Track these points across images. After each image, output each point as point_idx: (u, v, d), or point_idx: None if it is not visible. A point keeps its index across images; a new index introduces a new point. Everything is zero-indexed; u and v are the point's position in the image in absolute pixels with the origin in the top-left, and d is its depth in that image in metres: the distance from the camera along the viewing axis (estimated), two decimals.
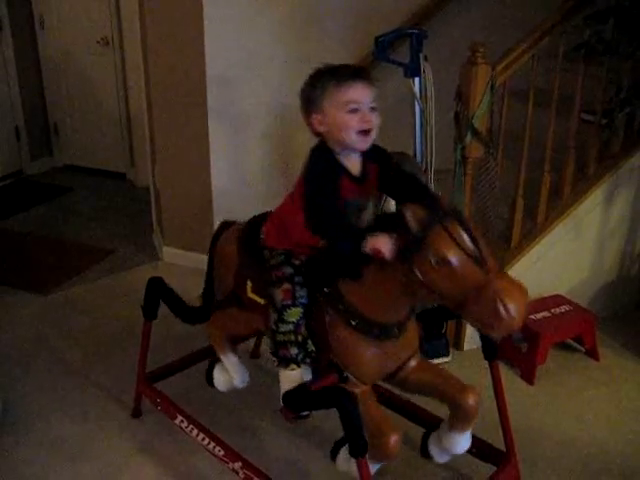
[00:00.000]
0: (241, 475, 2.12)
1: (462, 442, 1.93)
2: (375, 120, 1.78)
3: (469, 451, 2.19)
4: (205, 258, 2.36)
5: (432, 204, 1.61)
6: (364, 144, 1.79)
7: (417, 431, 2.23)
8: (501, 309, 1.48)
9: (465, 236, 1.55)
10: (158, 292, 2.42)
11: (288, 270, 1.89)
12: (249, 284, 2.06)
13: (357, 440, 1.71)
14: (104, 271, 3.86)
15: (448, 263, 1.53)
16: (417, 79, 2.73)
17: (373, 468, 1.86)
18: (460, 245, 1.54)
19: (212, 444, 2.23)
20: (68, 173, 5.67)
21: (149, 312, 2.45)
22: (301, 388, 1.84)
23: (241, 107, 3.50)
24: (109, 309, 3.42)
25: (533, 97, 2.80)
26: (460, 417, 1.87)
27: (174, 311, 2.41)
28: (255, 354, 2.93)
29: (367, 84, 1.78)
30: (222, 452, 2.19)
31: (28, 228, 4.50)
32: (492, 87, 2.62)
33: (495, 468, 2.12)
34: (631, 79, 2.87)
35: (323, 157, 1.80)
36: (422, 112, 2.75)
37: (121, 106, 5.29)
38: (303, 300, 1.87)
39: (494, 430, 2.15)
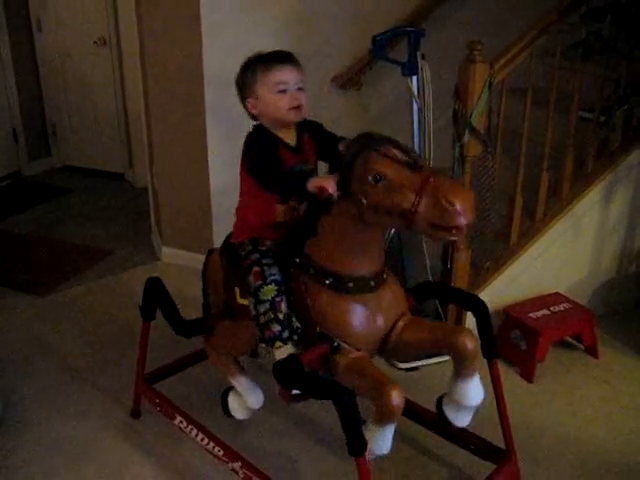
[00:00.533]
0: (240, 475, 2.12)
1: (472, 391, 1.87)
2: (303, 97, 1.93)
3: (469, 448, 2.20)
4: (203, 258, 2.36)
5: (364, 137, 1.70)
6: (295, 117, 1.94)
7: (417, 429, 2.23)
8: (445, 204, 1.53)
9: (395, 150, 1.64)
10: (156, 294, 2.42)
11: (255, 256, 1.96)
12: (237, 291, 2.09)
13: (355, 437, 1.70)
14: (103, 272, 3.86)
15: (384, 176, 1.61)
16: (415, 78, 2.73)
17: (387, 436, 1.79)
18: (392, 158, 1.62)
19: (211, 444, 2.23)
20: (66, 174, 5.67)
21: (147, 313, 2.45)
22: (291, 358, 1.82)
23: (239, 107, 3.48)
24: (108, 310, 3.42)
25: (531, 95, 2.80)
26: (461, 361, 1.83)
27: (169, 321, 2.40)
28: (254, 354, 2.93)
29: (293, 66, 1.94)
30: (221, 452, 2.19)
31: (26, 229, 4.50)
32: (490, 85, 2.62)
33: (495, 466, 2.12)
34: (629, 77, 2.87)
35: (259, 133, 1.97)
36: (420, 111, 2.76)
37: (119, 106, 5.30)
38: (274, 277, 1.91)
39: (494, 428, 2.15)
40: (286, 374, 1.82)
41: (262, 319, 1.90)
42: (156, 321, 2.47)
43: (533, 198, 2.97)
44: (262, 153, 1.90)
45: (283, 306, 1.90)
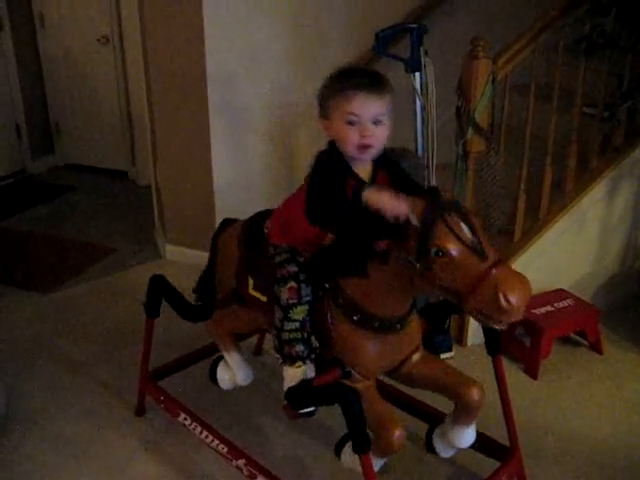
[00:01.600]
0: (245, 472, 2.12)
1: (466, 436, 1.93)
2: (379, 134, 1.71)
3: (473, 446, 2.19)
4: (206, 256, 2.36)
5: (432, 197, 1.60)
6: (361, 155, 1.74)
7: (421, 427, 2.23)
8: (502, 300, 1.47)
9: (464, 227, 1.55)
10: (160, 290, 2.42)
11: (293, 268, 1.86)
12: (250, 281, 2.06)
13: (361, 436, 1.71)
14: (106, 269, 3.86)
15: (448, 254, 1.53)
16: (418, 74, 2.72)
17: (377, 463, 1.86)
18: (459, 236, 1.53)
19: (215, 441, 2.23)
20: (70, 172, 5.67)
21: (151, 310, 2.45)
22: (304, 384, 1.84)
23: (242, 104, 3.50)
24: (111, 307, 3.42)
25: (535, 91, 2.79)
26: (464, 411, 1.87)
27: (176, 309, 2.41)
28: (258, 351, 2.93)
29: (373, 95, 1.69)
30: (225, 449, 2.19)
31: (30, 227, 4.50)
32: (493, 81, 2.61)
33: (499, 463, 2.12)
34: (633, 72, 2.86)
35: (331, 157, 1.77)
36: (423, 107, 2.75)
37: (122, 104, 5.29)
38: (308, 298, 1.85)
39: (498, 425, 2.15)
40: (298, 400, 1.85)
41: (287, 336, 1.86)
42: (160, 318, 2.47)
43: (537, 194, 2.96)
44: (326, 180, 1.71)
45: (308, 326, 1.86)
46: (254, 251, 2.04)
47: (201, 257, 2.56)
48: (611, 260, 3.30)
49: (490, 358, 2.09)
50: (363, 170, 1.78)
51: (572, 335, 3.05)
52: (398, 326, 1.83)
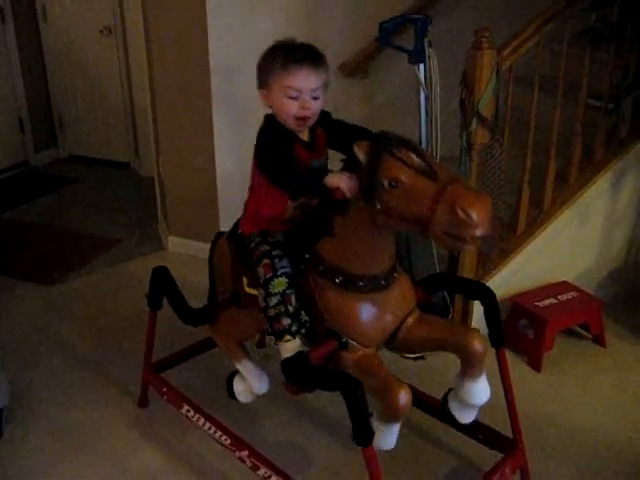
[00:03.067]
0: (248, 463, 2.12)
1: (479, 391, 1.88)
2: (316, 107, 1.83)
3: (476, 438, 2.20)
4: (209, 247, 2.36)
5: (378, 137, 1.66)
6: (298, 127, 1.85)
7: (425, 419, 2.23)
8: (461, 213, 1.48)
9: (412, 155, 1.59)
10: (163, 283, 2.42)
11: (265, 247, 1.92)
12: (244, 280, 2.07)
13: (363, 427, 1.70)
14: (109, 261, 3.87)
15: (400, 182, 1.57)
16: (422, 65, 2.71)
17: (392, 432, 1.82)
18: (408, 163, 1.58)
19: (218, 433, 2.23)
20: (73, 164, 5.67)
21: (154, 302, 2.45)
22: (299, 356, 1.82)
23: (245, 95, 3.47)
24: (115, 299, 3.42)
25: (539, 83, 2.78)
26: (469, 362, 1.84)
27: (176, 311, 2.40)
28: (261, 344, 2.92)
29: (313, 71, 1.80)
30: (228, 441, 2.19)
31: (33, 219, 4.50)
32: (498, 72, 2.60)
33: (502, 455, 2.12)
34: (638, 63, 2.84)
35: (272, 127, 1.87)
36: (427, 98, 2.74)
37: (125, 96, 5.29)
38: (285, 270, 1.88)
39: (501, 417, 2.14)
40: (294, 372, 1.83)
41: (271, 312, 1.87)
42: (163, 310, 2.47)
43: (541, 186, 2.95)
44: (276, 151, 1.82)
45: (293, 299, 1.87)
46: (240, 250, 2.07)
47: (204, 249, 2.55)
48: (615, 252, 3.29)
49: (493, 350, 2.08)
50: (302, 133, 1.90)
51: (575, 327, 3.05)
52: (383, 283, 1.82)
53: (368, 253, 1.79)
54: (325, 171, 1.77)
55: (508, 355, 2.11)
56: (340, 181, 1.67)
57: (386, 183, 1.58)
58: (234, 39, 3.35)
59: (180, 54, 3.45)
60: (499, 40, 2.64)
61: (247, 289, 2.06)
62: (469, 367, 1.85)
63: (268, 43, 3.46)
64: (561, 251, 3.08)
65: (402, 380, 1.76)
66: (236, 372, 2.33)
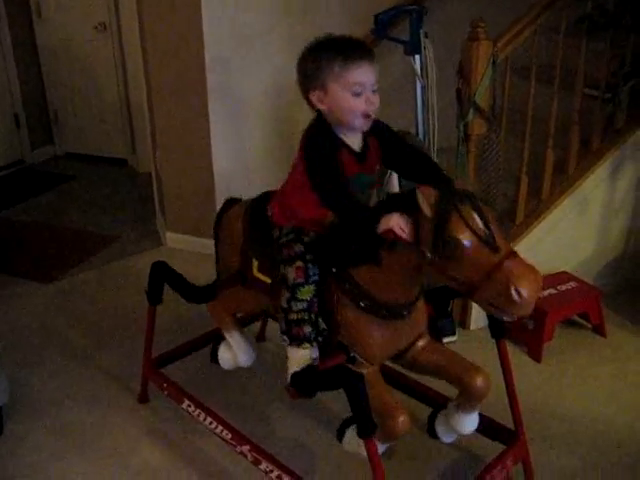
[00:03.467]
0: (249, 458, 2.12)
1: (469, 423, 1.92)
2: (377, 100, 1.73)
3: (477, 429, 2.19)
4: (208, 243, 2.35)
5: (445, 187, 1.59)
6: (366, 126, 1.76)
7: (426, 411, 2.22)
8: (513, 293, 1.46)
9: (477, 219, 1.53)
10: (162, 276, 2.41)
11: (299, 248, 1.85)
12: (255, 263, 2.04)
13: (365, 420, 1.70)
14: (108, 258, 3.86)
15: (461, 246, 1.52)
16: (418, 56, 2.70)
17: (381, 448, 1.86)
18: (472, 228, 1.52)
19: (219, 427, 2.22)
20: (69, 161, 5.66)
21: (154, 297, 2.44)
22: (309, 369, 1.83)
23: (241, 89, 3.48)
24: (114, 295, 3.42)
25: (536, 73, 2.77)
26: (468, 399, 1.87)
27: (179, 291, 2.39)
28: (261, 337, 2.92)
29: (371, 64, 1.72)
30: (230, 435, 2.19)
31: (31, 217, 4.49)
32: (494, 63, 2.59)
33: (504, 446, 2.12)
34: (634, 52, 2.84)
35: (321, 132, 1.76)
36: (423, 89, 2.73)
37: (121, 92, 5.27)
38: (315, 278, 1.84)
39: (502, 408, 2.14)
40: (304, 385, 1.84)
41: (294, 316, 1.84)
42: (162, 306, 2.46)
43: (539, 177, 2.95)
44: (323, 161, 1.71)
45: (316, 308, 1.85)
46: (259, 232, 2.02)
47: (202, 244, 2.56)
48: (614, 242, 3.29)
49: (493, 341, 2.08)
50: (354, 140, 1.79)
51: (575, 318, 3.05)
52: (405, 313, 1.82)
53: (401, 287, 1.77)
54: (380, 209, 1.66)
55: (508, 346, 2.11)
56: (396, 225, 1.59)
57: (451, 243, 1.52)
58: (229, 33, 3.34)
59: (175, 49, 3.44)
60: (495, 30, 2.63)
61: (256, 273, 2.04)
62: (467, 401, 1.88)
63: (263, 37, 3.47)
64: (560, 241, 3.08)
65: (402, 405, 1.80)
66: (223, 338, 2.29)
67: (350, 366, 1.81)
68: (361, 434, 1.72)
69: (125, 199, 4.78)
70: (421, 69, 2.71)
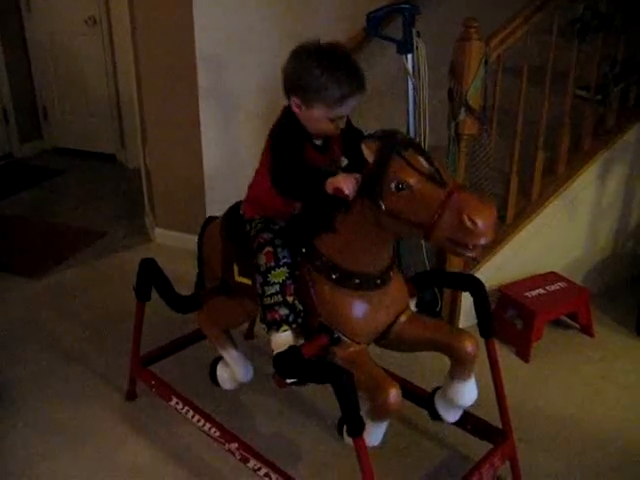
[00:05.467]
0: (237, 456, 2.11)
1: (467, 392, 1.89)
2: (345, 119, 1.85)
3: (465, 428, 2.20)
4: (196, 239, 2.34)
5: (387, 137, 1.64)
6: (329, 134, 1.86)
7: (415, 410, 2.23)
8: (467, 221, 1.48)
9: (421, 159, 1.58)
10: (150, 274, 2.40)
11: (268, 235, 1.90)
12: (235, 268, 2.06)
13: (354, 419, 1.70)
14: (96, 254, 3.84)
15: (407, 186, 1.55)
16: (410, 55, 2.69)
17: (380, 429, 1.85)
18: (416, 167, 1.56)
19: (207, 425, 2.22)
20: (58, 156, 5.63)
21: (142, 293, 2.43)
22: (292, 350, 1.81)
23: (232, 87, 3.47)
24: (102, 292, 3.40)
25: (527, 73, 2.78)
26: (460, 365, 1.85)
27: (164, 298, 2.38)
28: (249, 335, 2.92)
29: (359, 97, 1.79)
30: (218, 433, 2.18)
31: (18, 211, 4.47)
32: (486, 63, 2.59)
33: (491, 445, 2.12)
34: (625, 54, 2.85)
35: (291, 122, 1.84)
36: (415, 89, 2.72)
37: (110, 87, 5.24)
38: (286, 260, 1.86)
39: (490, 408, 2.15)
40: (286, 366, 1.82)
41: (268, 301, 1.86)
42: (151, 302, 2.45)
43: (529, 177, 2.95)
44: (289, 151, 1.79)
45: (292, 289, 1.86)
46: (236, 238, 2.05)
47: (191, 240, 2.54)
48: (603, 243, 3.31)
49: (482, 340, 2.08)
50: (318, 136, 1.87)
51: (563, 318, 3.06)
52: (378, 281, 1.82)
53: (367, 251, 1.78)
54: (328, 173, 1.73)
55: (496, 346, 2.11)
56: (343, 183, 1.65)
57: (393, 185, 1.57)
58: (221, 31, 3.32)
59: (166, 44, 3.42)
60: (488, 30, 2.63)
61: (238, 278, 2.05)
62: (459, 368, 1.86)
63: (255, 35, 3.45)
64: (549, 241, 3.09)
65: (392, 377, 1.77)
66: (220, 358, 2.32)
67: (335, 348, 1.81)
68: (350, 433, 1.72)
69: (114, 195, 4.76)
70: (413, 68, 2.70)
